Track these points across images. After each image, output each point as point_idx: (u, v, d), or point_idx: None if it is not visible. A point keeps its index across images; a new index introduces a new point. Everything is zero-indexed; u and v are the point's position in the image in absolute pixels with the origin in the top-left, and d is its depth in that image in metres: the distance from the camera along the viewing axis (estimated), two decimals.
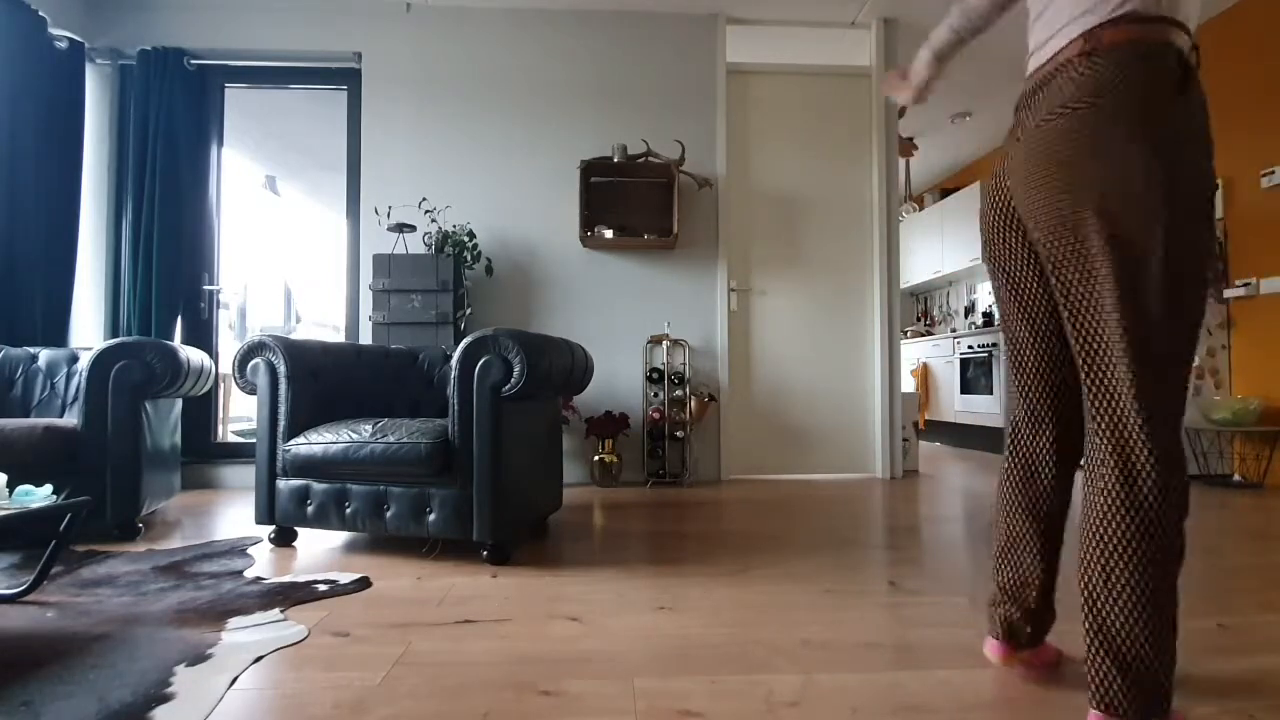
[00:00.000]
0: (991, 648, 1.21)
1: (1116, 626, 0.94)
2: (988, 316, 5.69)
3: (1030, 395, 1.18)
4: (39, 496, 1.58)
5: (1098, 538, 0.96)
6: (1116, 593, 0.94)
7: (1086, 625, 0.97)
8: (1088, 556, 0.97)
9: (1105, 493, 0.95)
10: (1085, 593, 0.97)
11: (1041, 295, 1.13)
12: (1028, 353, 1.17)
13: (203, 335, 3.64)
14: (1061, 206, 0.99)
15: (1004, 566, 1.21)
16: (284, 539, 2.20)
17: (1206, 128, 0.95)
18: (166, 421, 2.58)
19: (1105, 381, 0.97)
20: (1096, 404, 0.98)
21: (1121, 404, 0.95)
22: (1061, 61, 1.02)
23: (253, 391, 2.19)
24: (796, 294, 3.90)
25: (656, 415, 3.55)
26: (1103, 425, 0.97)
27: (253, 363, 2.19)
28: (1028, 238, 1.12)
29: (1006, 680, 1.17)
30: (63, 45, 3.33)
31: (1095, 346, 0.98)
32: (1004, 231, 1.14)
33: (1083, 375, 1.01)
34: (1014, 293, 1.16)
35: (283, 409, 2.14)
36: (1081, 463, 1.07)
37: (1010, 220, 1.13)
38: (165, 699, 1.09)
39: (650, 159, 3.58)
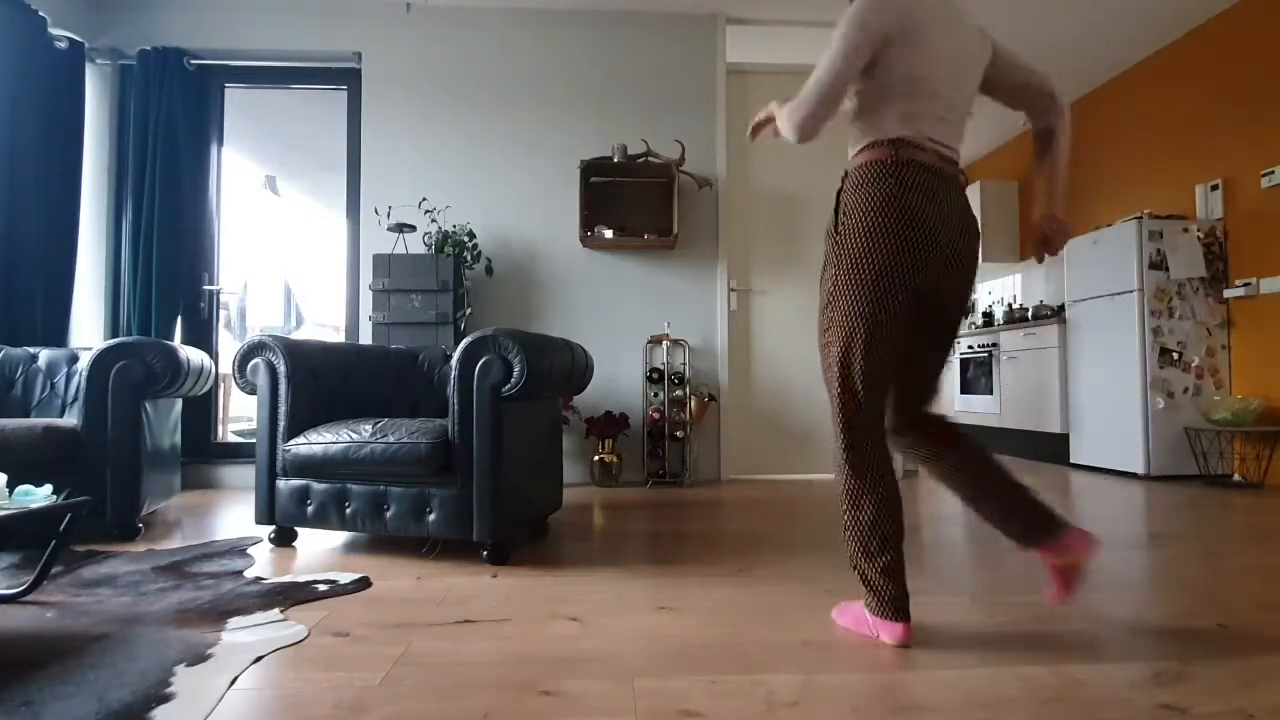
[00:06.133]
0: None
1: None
2: (987, 316, 5.69)
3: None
4: (39, 496, 1.58)
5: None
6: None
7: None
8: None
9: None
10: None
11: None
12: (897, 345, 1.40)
13: (202, 335, 3.65)
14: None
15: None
16: (284, 539, 2.20)
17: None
18: (166, 421, 2.58)
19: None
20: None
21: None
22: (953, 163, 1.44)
23: (253, 391, 2.19)
24: (796, 294, 3.89)
25: (656, 415, 3.55)
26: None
27: (253, 363, 2.19)
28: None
29: (1006, 680, 1.17)
30: (63, 45, 3.33)
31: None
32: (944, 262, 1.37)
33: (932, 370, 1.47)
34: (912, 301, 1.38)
35: (283, 409, 2.14)
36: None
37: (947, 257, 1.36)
38: (165, 699, 1.08)
39: (650, 159, 3.58)
